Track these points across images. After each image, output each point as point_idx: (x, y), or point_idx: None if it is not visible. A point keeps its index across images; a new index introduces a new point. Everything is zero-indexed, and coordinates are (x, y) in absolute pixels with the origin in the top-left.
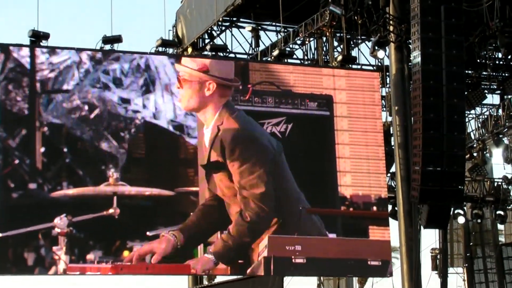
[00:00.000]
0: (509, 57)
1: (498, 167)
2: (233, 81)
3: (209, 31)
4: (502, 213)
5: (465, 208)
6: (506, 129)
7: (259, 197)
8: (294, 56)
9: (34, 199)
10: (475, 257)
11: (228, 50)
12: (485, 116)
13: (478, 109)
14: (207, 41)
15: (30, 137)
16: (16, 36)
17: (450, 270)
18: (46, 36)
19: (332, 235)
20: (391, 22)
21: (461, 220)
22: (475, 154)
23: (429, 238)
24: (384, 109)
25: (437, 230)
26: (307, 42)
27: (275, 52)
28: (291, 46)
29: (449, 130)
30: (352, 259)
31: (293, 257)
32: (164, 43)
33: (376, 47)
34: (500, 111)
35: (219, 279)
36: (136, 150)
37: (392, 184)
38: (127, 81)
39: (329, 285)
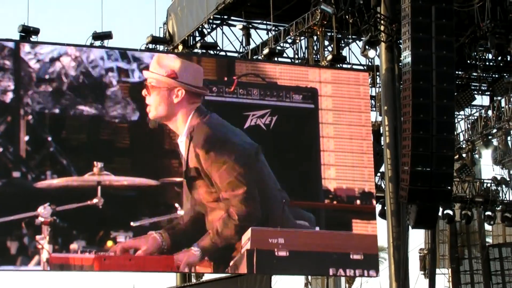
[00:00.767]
0: (499, 58)
1: (487, 168)
2: (202, 89)
3: (199, 29)
4: (491, 214)
5: (454, 209)
6: (495, 131)
7: (242, 197)
8: (284, 55)
9: (18, 188)
10: (462, 258)
11: (218, 48)
12: (475, 117)
13: (467, 110)
14: (197, 39)
15: (14, 125)
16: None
17: (436, 271)
18: (36, 31)
19: (315, 228)
20: (382, 22)
21: (450, 220)
22: (464, 155)
23: (418, 239)
24: (374, 109)
25: (424, 231)
26: (297, 41)
27: (266, 51)
28: (282, 44)
29: (438, 131)
30: (335, 253)
31: (276, 249)
32: (155, 40)
33: (367, 47)
34: (490, 112)
35: (207, 277)
36: (121, 140)
37: (382, 183)
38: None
39: (317, 285)
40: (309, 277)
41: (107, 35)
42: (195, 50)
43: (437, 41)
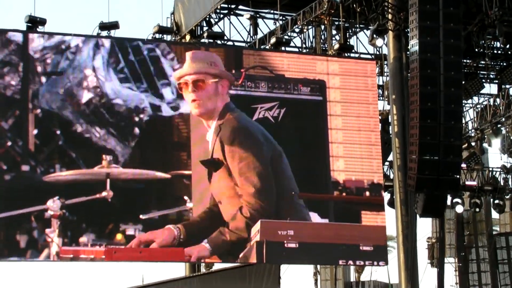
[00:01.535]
0: (508, 46)
1: (495, 157)
2: (234, 76)
3: (207, 19)
4: (500, 202)
5: (463, 197)
6: (504, 119)
7: (257, 194)
8: (292, 44)
9: (27, 181)
10: (469, 247)
11: (225, 38)
12: (483, 106)
13: (475, 99)
14: (205, 28)
15: (23, 119)
16: (13, 21)
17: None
18: (42, 21)
19: (324, 220)
20: (389, 10)
21: (459, 209)
22: (473, 144)
23: (426, 228)
24: (382, 98)
25: (432, 219)
26: (305, 30)
27: (273, 40)
28: (289, 34)
29: (446, 119)
30: (344, 244)
31: (285, 241)
32: (161, 30)
33: (375, 36)
34: (498, 100)
35: (216, 266)
36: (129, 133)
37: (390, 172)
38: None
39: (326, 274)
40: (318, 266)
41: (114, 25)
42: (202, 40)
43: (444, 30)
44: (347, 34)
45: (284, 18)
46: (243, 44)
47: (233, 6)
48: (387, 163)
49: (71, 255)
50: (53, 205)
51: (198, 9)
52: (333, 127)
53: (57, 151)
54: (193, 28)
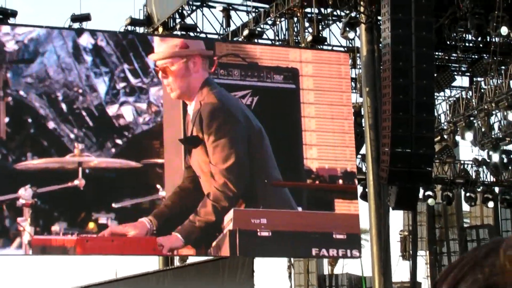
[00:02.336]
0: (479, 39)
1: (467, 150)
2: (208, 51)
3: (179, 11)
4: (472, 195)
5: (435, 190)
6: (476, 112)
7: (226, 173)
8: (265, 36)
9: None
10: (441, 240)
11: (198, 30)
12: (455, 98)
13: (448, 91)
14: (177, 20)
15: None
16: None
17: None
18: (14, 13)
19: (298, 208)
20: (361, 3)
21: (431, 202)
22: (445, 136)
23: (398, 221)
24: (355, 90)
25: (403, 212)
26: (278, 22)
27: (246, 32)
28: (262, 26)
29: (418, 112)
30: (317, 233)
31: (258, 230)
32: (134, 22)
33: (347, 28)
34: (470, 93)
35: (191, 260)
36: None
37: (363, 165)
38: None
39: (300, 267)
40: (292, 259)
41: (86, 17)
42: (175, 32)
43: (416, 22)
44: (320, 26)
45: (256, 10)
46: (216, 36)
47: None
48: (359, 156)
49: (43, 244)
50: (25, 193)
51: (170, 1)
52: (306, 115)
53: (29, 139)
54: (166, 20)
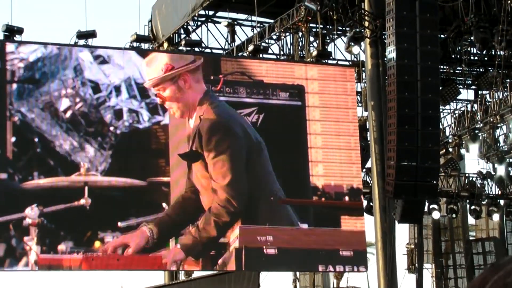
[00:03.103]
0: (484, 52)
1: (473, 163)
2: (196, 60)
3: (184, 26)
4: (477, 208)
5: (440, 203)
6: (482, 125)
7: (228, 190)
8: (270, 51)
9: (5, 189)
10: (447, 253)
11: (203, 45)
12: (461, 111)
13: (453, 105)
14: (183, 36)
15: (1, 127)
16: None
17: None
18: (20, 30)
19: (304, 226)
20: (366, 17)
21: (436, 215)
22: (450, 149)
23: (404, 234)
24: (360, 104)
25: (409, 226)
26: (282, 37)
27: (251, 47)
28: (267, 41)
29: (423, 125)
30: (324, 250)
31: (264, 247)
32: (139, 38)
33: (351, 43)
34: (476, 106)
35: (196, 274)
36: (107, 140)
37: (368, 179)
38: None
39: (305, 280)
40: (297, 273)
41: (91, 34)
42: (180, 48)
43: (421, 36)
44: (325, 40)
45: (261, 25)
46: (221, 52)
47: (210, 13)
48: (364, 170)
49: (49, 263)
50: (31, 212)
51: (175, 17)
52: (312, 132)
53: (35, 159)
54: (171, 35)
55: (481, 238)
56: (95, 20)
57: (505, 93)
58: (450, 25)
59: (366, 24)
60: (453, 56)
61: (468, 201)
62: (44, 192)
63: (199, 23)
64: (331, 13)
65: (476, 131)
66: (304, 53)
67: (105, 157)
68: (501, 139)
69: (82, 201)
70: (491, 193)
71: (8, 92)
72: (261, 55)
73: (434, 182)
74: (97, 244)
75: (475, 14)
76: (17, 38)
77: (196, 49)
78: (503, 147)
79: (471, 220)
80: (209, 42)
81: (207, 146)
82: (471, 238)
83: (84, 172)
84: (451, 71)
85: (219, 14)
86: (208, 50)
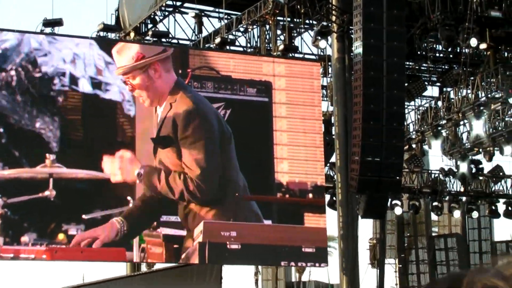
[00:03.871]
0: (449, 49)
1: (436, 159)
2: (167, 50)
3: (152, 16)
4: (439, 204)
5: (402, 199)
6: (445, 121)
7: (200, 178)
8: (237, 44)
9: None
10: (411, 248)
11: (170, 36)
12: (425, 108)
13: (417, 101)
14: (149, 26)
15: None
16: None
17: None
18: None
19: (267, 222)
20: (333, 12)
21: (398, 211)
22: (413, 146)
23: (367, 229)
24: (326, 98)
25: (373, 221)
26: (250, 29)
27: (218, 40)
28: (234, 33)
29: (388, 121)
30: (287, 246)
31: (228, 243)
32: (106, 28)
33: (318, 37)
34: (440, 103)
35: (157, 266)
36: (73, 132)
37: (331, 173)
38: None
39: (267, 273)
40: (259, 266)
41: (58, 22)
42: (147, 38)
43: (388, 32)
44: (292, 34)
45: (229, 17)
46: (188, 43)
47: (178, 4)
48: (328, 164)
49: (11, 254)
50: None
51: (142, 6)
52: (278, 129)
53: (0, 150)
54: (138, 25)
55: (443, 234)
56: (61, 8)
57: (468, 90)
58: (416, 22)
59: (334, 18)
60: (418, 52)
61: (430, 197)
62: (8, 183)
63: (166, 13)
64: (298, 6)
65: (439, 128)
66: (271, 46)
67: (71, 148)
68: (465, 136)
69: (47, 193)
70: (453, 190)
71: None
72: (228, 48)
73: (398, 178)
74: (60, 236)
75: (441, 12)
76: None
77: (164, 40)
78: (466, 144)
79: (434, 216)
80: (176, 33)
81: (183, 132)
82: (433, 234)
83: (49, 164)
84: (417, 67)
85: (187, 5)
86: (175, 41)
